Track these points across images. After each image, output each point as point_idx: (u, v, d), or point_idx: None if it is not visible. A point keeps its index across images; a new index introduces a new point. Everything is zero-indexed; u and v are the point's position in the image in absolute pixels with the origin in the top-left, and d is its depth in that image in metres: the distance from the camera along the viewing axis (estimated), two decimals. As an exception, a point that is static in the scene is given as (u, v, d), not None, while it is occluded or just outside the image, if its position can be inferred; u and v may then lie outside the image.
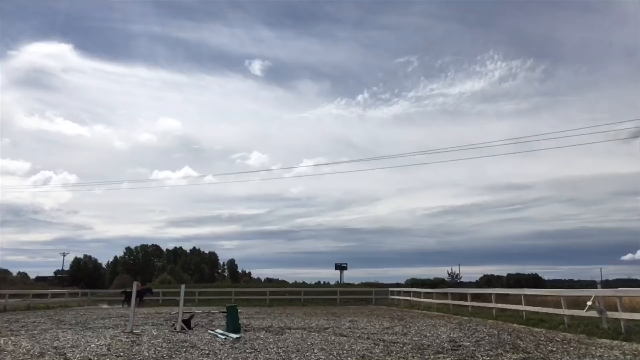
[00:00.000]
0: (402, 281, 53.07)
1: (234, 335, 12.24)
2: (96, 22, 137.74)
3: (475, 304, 21.61)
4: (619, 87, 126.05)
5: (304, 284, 53.42)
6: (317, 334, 12.95)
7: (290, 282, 59.51)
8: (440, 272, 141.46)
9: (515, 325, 15.58)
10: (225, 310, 14.78)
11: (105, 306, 32.08)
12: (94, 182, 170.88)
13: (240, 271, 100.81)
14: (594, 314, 13.32)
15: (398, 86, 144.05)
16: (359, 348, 10.11)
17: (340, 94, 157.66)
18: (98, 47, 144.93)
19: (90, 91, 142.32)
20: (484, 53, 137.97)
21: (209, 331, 13.71)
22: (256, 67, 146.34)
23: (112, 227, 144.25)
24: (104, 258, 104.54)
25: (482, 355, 9.08)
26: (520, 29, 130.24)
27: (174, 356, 9.12)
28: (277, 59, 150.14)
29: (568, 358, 8.77)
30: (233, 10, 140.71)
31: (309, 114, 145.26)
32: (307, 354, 9.34)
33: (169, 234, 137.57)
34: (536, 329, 14.15)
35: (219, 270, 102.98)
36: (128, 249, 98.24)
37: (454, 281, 48.43)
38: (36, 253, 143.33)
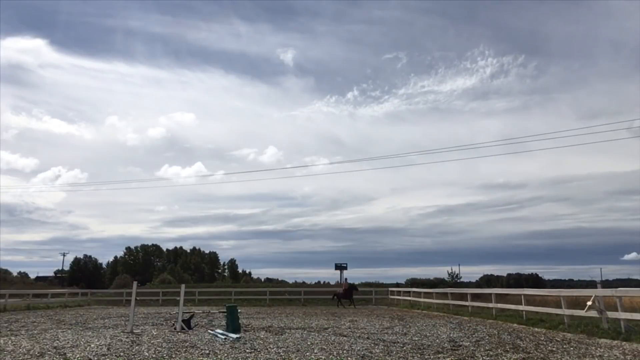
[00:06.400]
0: (402, 281, 53.05)
1: (234, 335, 12.24)
2: (70, 16, 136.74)
3: (475, 304, 21.61)
4: (610, 83, 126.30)
5: (304, 284, 53.39)
6: (317, 334, 12.95)
7: (290, 282, 59.57)
8: (439, 271, 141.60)
9: (515, 325, 15.57)
10: (225, 310, 14.78)
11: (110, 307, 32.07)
12: (92, 183, 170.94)
13: (240, 271, 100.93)
14: (594, 314, 13.31)
15: (388, 83, 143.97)
16: (359, 348, 10.11)
17: (329, 92, 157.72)
18: (73, 42, 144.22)
19: (70, 88, 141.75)
20: (474, 49, 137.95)
21: (209, 331, 13.71)
22: (237, 62, 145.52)
23: (108, 227, 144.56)
24: (101, 258, 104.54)
25: (482, 355, 9.08)
26: (505, 21, 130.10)
27: (174, 356, 9.12)
28: (258, 54, 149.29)
29: (568, 358, 8.77)
30: (209, 4, 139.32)
31: (299, 112, 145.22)
32: (307, 354, 9.34)
33: (165, 234, 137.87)
34: (536, 329, 14.14)
35: (219, 270, 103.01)
36: (128, 248, 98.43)
37: (454, 281, 48.35)
38: (33, 253, 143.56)
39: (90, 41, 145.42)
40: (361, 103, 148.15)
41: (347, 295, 30.64)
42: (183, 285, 16.73)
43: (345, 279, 33.25)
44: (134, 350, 9.81)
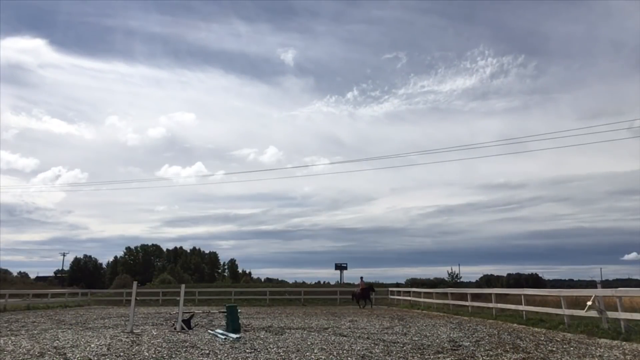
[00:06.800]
0: (402, 281, 53.12)
1: (234, 335, 12.24)
2: (69, 16, 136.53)
3: (475, 304, 21.61)
4: (610, 83, 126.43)
5: (304, 284, 53.41)
6: (317, 334, 12.95)
7: (290, 282, 59.61)
8: (439, 271, 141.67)
9: (515, 325, 15.58)
10: (225, 310, 14.78)
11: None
12: (92, 183, 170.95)
13: (240, 271, 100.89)
14: (594, 314, 13.31)
15: (388, 83, 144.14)
16: (359, 348, 10.11)
17: (329, 92, 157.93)
18: (73, 42, 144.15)
19: (70, 88, 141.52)
20: (474, 49, 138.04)
21: (209, 331, 13.71)
22: (237, 62, 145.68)
23: (108, 227, 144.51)
24: (101, 258, 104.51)
25: (482, 355, 9.08)
26: (505, 21, 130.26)
27: (174, 356, 9.12)
28: (258, 54, 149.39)
29: (568, 358, 8.77)
30: (209, 4, 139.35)
31: (299, 112, 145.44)
32: (307, 354, 9.34)
33: (165, 234, 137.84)
34: (536, 329, 14.14)
35: (219, 270, 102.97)
36: (128, 248, 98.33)
37: (454, 281, 48.36)
38: (33, 253, 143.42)
39: (90, 41, 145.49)
40: (361, 103, 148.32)
41: (364, 295, 29.45)
42: (183, 285, 16.73)
43: (361, 278, 32.23)
44: (134, 350, 9.81)
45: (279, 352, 9.54)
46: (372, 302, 30.04)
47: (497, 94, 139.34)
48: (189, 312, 17.01)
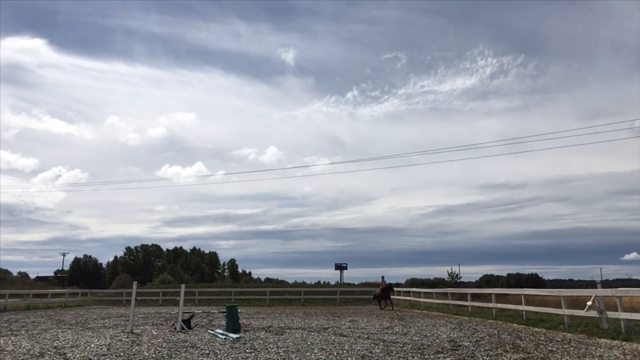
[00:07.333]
0: (402, 281, 53.17)
1: (234, 335, 12.25)
2: (69, 16, 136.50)
3: (475, 304, 21.61)
4: (610, 83, 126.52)
5: (304, 284, 53.40)
6: (317, 334, 12.95)
7: (290, 282, 59.59)
8: (439, 271, 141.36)
9: (515, 325, 15.57)
10: (225, 310, 14.78)
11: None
12: (92, 183, 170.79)
13: (240, 271, 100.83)
14: (594, 314, 13.31)
15: (387, 83, 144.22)
16: (359, 348, 10.11)
17: (329, 92, 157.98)
18: (73, 42, 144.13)
19: (70, 88, 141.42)
20: (474, 49, 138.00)
21: (209, 331, 13.71)
22: (236, 62, 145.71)
23: (108, 227, 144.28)
24: (101, 258, 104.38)
25: (482, 355, 9.08)
26: (505, 21, 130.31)
27: (174, 356, 9.12)
28: (258, 54, 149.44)
29: (568, 358, 8.77)
30: (209, 4, 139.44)
31: (299, 112, 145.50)
32: (307, 354, 9.34)
33: (165, 234, 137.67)
34: (536, 329, 14.14)
35: (219, 270, 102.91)
36: (128, 248, 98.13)
37: (454, 281, 48.38)
38: (33, 253, 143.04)
39: (89, 41, 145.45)
40: (361, 103, 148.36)
41: (384, 295, 28.34)
42: (183, 285, 16.73)
43: (382, 277, 31.34)
44: (134, 350, 9.81)
45: (279, 352, 9.54)
46: (388, 302, 29.14)
47: (497, 94, 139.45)
48: (189, 312, 17.02)
